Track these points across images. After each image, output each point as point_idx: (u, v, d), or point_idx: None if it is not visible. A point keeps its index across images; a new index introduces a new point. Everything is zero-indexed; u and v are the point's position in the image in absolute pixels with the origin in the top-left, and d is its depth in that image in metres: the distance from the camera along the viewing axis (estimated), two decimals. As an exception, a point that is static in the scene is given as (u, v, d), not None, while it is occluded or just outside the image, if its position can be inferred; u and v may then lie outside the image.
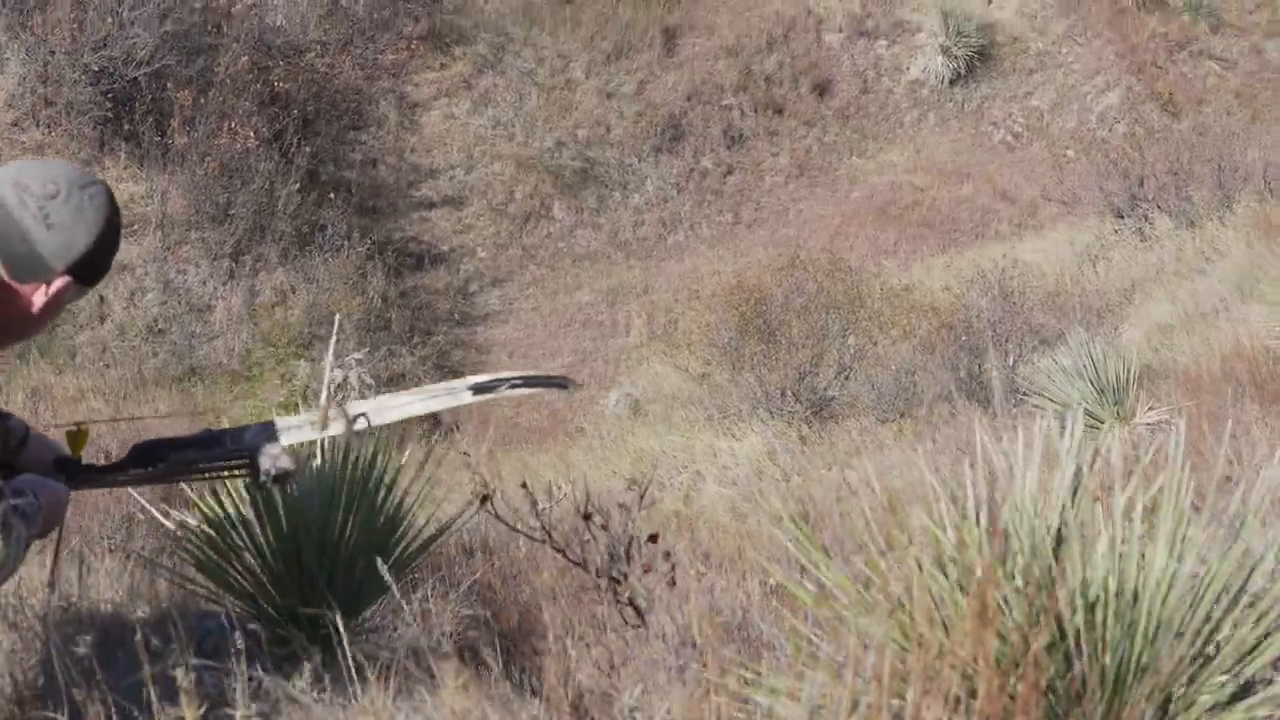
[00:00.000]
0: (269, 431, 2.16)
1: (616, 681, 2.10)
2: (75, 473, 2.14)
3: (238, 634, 2.01)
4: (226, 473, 2.20)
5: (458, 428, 12.25)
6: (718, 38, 17.15)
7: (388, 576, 2.20)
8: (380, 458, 3.17)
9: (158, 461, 2.15)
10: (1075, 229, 14.36)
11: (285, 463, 2.13)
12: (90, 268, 1.92)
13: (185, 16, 13.17)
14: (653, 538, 2.41)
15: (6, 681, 2.43)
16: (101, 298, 11.60)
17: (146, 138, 12.46)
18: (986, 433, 2.24)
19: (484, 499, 2.72)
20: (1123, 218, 13.74)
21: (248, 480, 2.23)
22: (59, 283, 1.89)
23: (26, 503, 1.93)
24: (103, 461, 2.25)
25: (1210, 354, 8.88)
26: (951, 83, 17.71)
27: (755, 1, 17.70)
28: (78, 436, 2.13)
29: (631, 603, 2.43)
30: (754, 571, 3.97)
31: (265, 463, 2.12)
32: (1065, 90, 18.01)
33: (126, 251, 11.87)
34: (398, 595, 2.32)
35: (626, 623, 2.48)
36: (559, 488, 4.22)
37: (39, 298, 1.88)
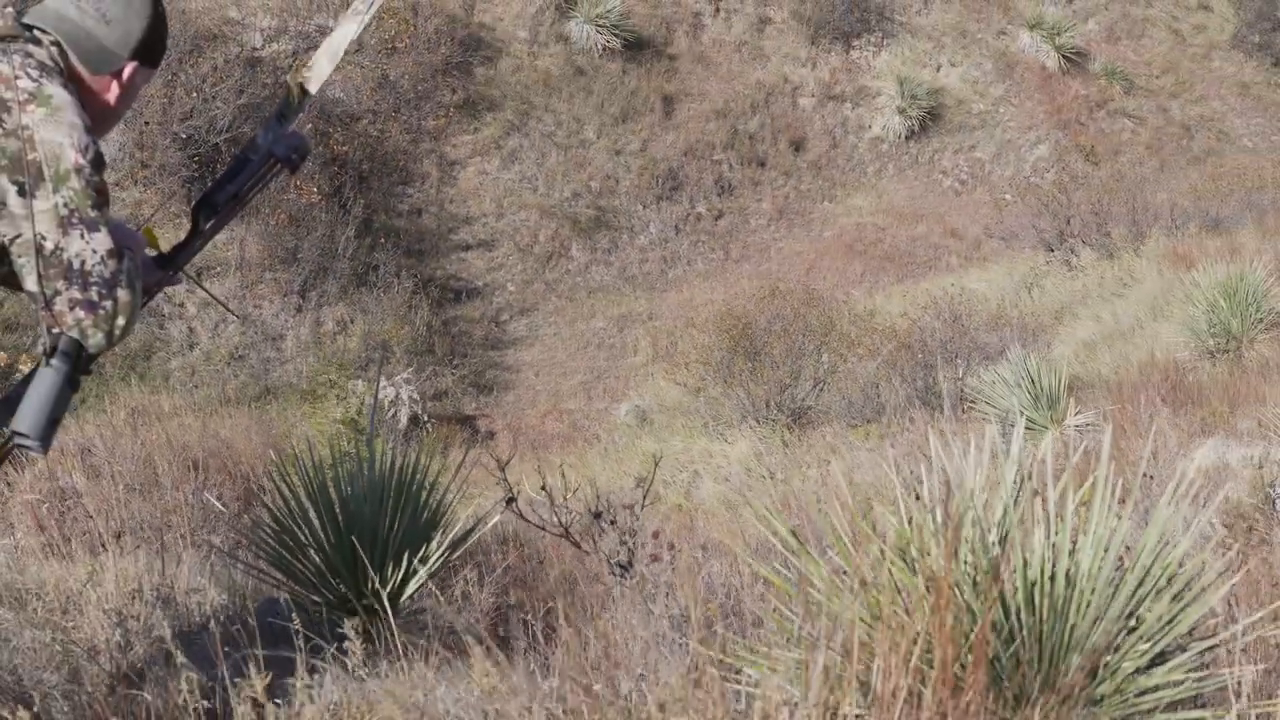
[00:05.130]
0: (275, 126, 2.10)
1: (624, 656, 2.08)
2: (168, 261, 2.05)
3: (299, 616, 1.99)
4: (270, 178, 2.15)
5: (493, 436, 12.24)
6: (709, 102, 17.20)
7: (427, 566, 2.17)
8: (423, 462, 3.16)
9: (215, 210, 2.10)
10: (1013, 261, 14.33)
11: (296, 141, 2.09)
12: (150, 49, 1.91)
13: (258, 91, 13.21)
14: (655, 535, 2.38)
15: (107, 660, 2.40)
16: (190, 329, 11.61)
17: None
18: (939, 437, 2.22)
19: (509, 500, 2.70)
20: (1053, 251, 13.72)
21: (283, 173, 2.15)
22: (128, 69, 1.89)
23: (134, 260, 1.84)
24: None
25: (1128, 366, 8.85)
26: (907, 138, 17.72)
27: (740, 71, 17.74)
28: (150, 233, 2.05)
29: (629, 572, 2.41)
30: (744, 558, 3.93)
31: (281, 151, 2.09)
32: (1003, 144, 18.02)
33: (213, 289, 11.89)
34: (435, 584, 2.30)
35: (637, 603, 2.46)
36: (571, 488, 4.20)
37: (115, 88, 1.88)
